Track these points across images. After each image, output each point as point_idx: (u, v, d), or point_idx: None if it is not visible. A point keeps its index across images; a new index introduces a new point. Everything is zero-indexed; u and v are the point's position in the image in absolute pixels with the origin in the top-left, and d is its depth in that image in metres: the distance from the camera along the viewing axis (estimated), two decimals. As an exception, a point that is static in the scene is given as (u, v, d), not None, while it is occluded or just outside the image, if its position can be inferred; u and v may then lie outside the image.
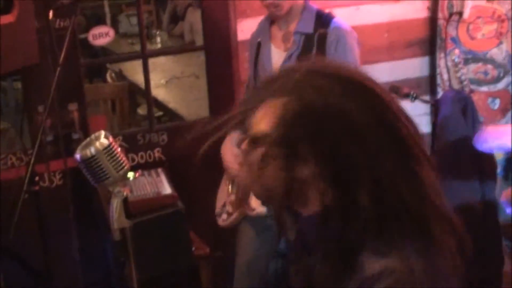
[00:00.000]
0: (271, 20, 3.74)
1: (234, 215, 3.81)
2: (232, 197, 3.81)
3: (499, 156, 4.81)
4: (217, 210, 3.88)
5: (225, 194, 3.92)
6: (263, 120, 1.69)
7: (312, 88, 1.64)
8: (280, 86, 1.69)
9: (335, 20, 3.64)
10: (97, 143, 2.40)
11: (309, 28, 3.60)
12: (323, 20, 3.61)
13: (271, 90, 1.71)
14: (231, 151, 3.65)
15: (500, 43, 4.85)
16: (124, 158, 2.46)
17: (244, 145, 1.76)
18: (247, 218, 3.81)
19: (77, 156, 2.40)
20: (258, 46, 3.77)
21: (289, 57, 3.60)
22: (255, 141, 1.71)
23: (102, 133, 2.45)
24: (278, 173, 1.66)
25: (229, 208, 3.84)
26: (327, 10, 3.76)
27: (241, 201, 3.75)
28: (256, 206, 3.68)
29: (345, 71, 1.73)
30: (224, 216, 3.84)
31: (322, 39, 3.56)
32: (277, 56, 3.66)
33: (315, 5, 3.73)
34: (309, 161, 1.63)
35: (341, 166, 1.60)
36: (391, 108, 1.70)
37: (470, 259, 3.94)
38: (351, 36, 3.66)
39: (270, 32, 3.73)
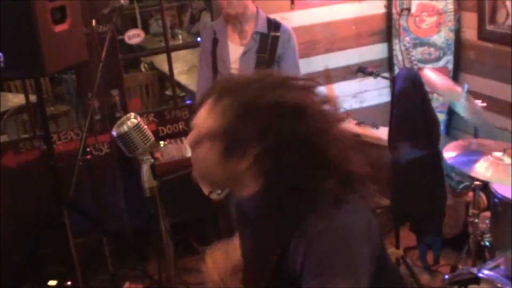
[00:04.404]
0: (226, 22, 3.73)
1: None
2: None
3: (442, 117, 4.79)
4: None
5: None
6: (209, 118, 1.58)
7: (247, 94, 1.55)
8: (223, 90, 1.60)
9: (283, 24, 3.75)
10: (129, 122, 2.38)
11: (264, 29, 3.67)
12: (273, 24, 3.71)
13: (215, 94, 1.60)
14: None
15: (439, 31, 4.81)
16: (150, 133, 2.45)
17: (189, 140, 1.64)
18: None
19: (114, 133, 2.39)
20: (214, 42, 3.73)
21: (247, 51, 3.65)
22: (200, 137, 1.60)
23: (132, 114, 2.44)
24: (221, 164, 1.58)
25: None
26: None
27: None
28: None
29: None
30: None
31: (275, 39, 3.65)
32: (234, 50, 3.68)
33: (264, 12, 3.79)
34: (248, 153, 1.55)
35: (274, 152, 1.53)
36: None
37: (424, 196, 3.93)
38: (294, 36, 3.79)
39: (227, 31, 3.73)
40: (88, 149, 3.51)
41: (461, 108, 3.48)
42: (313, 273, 1.51)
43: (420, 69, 4.68)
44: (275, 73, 1.66)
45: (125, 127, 2.37)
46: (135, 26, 6.65)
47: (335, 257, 1.50)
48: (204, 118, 1.60)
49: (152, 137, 2.45)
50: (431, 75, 3.71)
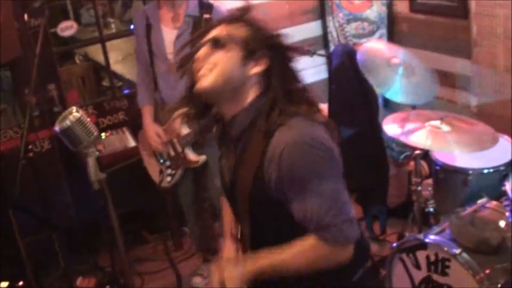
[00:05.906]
0: (159, 6, 3.69)
1: (178, 173, 3.80)
2: (168, 163, 3.80)
3: (379, 90, 4.88)
4: (158, 179, 3.84)
5: (155, 166, 3.88)
6: (231, 27, 1.85)
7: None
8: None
9: (215, 6, 3.70)
10: (71, 116, 2.36)
11: (196, 11, 3.63)
12: (205, 6, 3.67)
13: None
14: (152, 128, 3.74)
15: (372, 5, 4.88)
16: (93, 126, 2.43)
17: (205, 49, 1.85)
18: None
19: (56, 128, 2.36)
20: (148, 28, 3.71)
21: (181, 34, 3.62)
22: (217, 42, 1.83)
23: (74, 108, 2.42)
24: (236, 67, 1.81)
25: (168, 171, 3.81)
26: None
27: (183, 160, 3.73)
28: (196, 158, 3.75)
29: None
30: (169, 178, 3.81)
31: (208, 21, 3.58)
32: (167, 34, 3.65)
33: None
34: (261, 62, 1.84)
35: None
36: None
37: (367, 168, 4.00)
38: None
39: (160, 15, 3.69)
40: (29, 147, 3.45)
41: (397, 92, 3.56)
42: (294, 186, 1.74)
43: (355, 44, 4.76)
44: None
45: (67, 122, 2.35)
46: (66, 17, 6.51)
47: (307, 164, 1.72)
48: (225, 27, 1.87)
49: (95, 130, 2.44)
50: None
